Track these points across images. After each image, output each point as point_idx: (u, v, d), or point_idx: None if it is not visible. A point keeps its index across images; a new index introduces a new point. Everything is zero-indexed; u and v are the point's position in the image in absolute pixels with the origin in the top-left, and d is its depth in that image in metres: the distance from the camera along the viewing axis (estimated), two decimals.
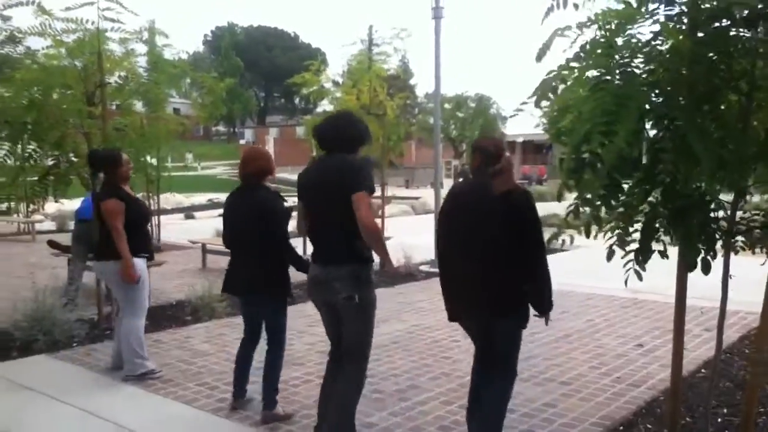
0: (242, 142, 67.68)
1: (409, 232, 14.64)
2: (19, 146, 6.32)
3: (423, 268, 9.98)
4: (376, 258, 3.51)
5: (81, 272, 7.38)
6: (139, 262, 4.91)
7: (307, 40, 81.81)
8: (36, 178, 6.21)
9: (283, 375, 4.83)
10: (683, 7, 3.10)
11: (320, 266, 3.52)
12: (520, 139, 47.92)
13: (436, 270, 10.27)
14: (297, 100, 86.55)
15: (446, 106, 36.01)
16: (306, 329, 6.32)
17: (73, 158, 6.27)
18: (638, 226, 3.37)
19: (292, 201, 4.19)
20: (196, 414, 4.28)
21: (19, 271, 9.78)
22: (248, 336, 4.40)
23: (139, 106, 7.80)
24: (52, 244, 8.46)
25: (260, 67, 78.97)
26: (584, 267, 10.32)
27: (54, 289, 7.15)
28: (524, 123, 44.52)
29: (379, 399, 4.49)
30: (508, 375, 3.49)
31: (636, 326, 6.50)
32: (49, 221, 15.97)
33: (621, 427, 4.05)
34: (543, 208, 14.29)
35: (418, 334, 6.22)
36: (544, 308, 3.39)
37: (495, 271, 3.26)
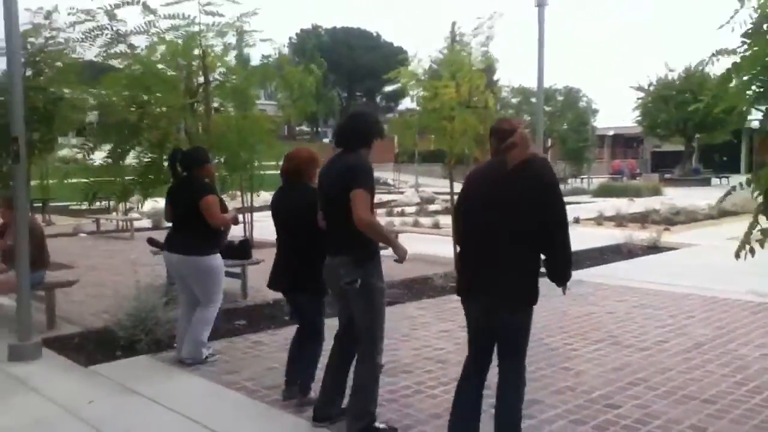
0: (325, 140, 68.18)
1: None
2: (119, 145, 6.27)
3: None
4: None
5: None
6: (218, 258, 5.09)
7: (389, 39, 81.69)
8: (134, 178, 6.13)
9: (392, 384, 4.61)
10: None
11: (330, 256, 3.80)
12: (611, 133, 46.19)
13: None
14: (378, 99, 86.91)
15: (532, 99, 34.88)
16: (410, 333, 5.99)
17: None
18: None
19: None
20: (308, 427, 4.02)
21: (121, 268, 9.93)
22: (298, 330, 4.53)
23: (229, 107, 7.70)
24: (151, 242, 8.48)
25: (343, 67, 79.43)
26: (696, 267, 9.57)
27: (155, 287, 7.14)
28: (615, 116, 42.90)
29: None
30: (519, 370, 3.33)
31: None
32: (145, 219, 16.34)
33: None
34: (641, 205, 13.66)
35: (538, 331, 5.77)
36: (561, 280, 3.27)
37: (509, 259, 3.15)
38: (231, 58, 6.60)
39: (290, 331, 5.94)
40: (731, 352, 5.34)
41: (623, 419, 3.97)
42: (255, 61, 8.02)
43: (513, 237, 3.13)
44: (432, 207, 21.42)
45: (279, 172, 4.49)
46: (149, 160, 6.00)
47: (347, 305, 3.82)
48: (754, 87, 3.42)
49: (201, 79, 5.88)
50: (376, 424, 3.75)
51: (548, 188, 3.11)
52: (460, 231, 3.45)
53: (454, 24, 14.95)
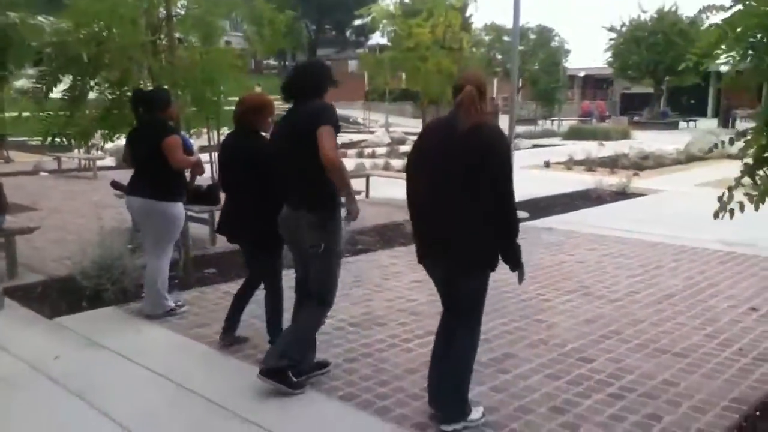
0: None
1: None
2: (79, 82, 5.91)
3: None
4: None
5: None
6: (179, 206, 4.92)
7: None
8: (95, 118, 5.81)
9: (366, 338, 4.57)
10: None
11: (290, 209, 3.69)
12: (582, 74, 46.02)
13: None
14: (348, 33, 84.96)
15: (505, 38, 34.42)
16: (382, 283, 5.93)
17: None
18: None
19: None
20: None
21: (84, 210, 9.65)
22: (248, 278, 4.51)
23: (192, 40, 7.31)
24: (115, 185, 8.19)
25: None
26: (665, 214, 9.65)
27: (120, 233, 6.95)
28: (586, 57, 42.67)
29: (474, 371, 4.09)
30: (472, 324, 3.34)
31: (742, 286, 5.90)
32: (109, 157, 15.87)
33: (757, 412, 3.56)
34: (610, 149, 13.62)
35: (502, 291, 5.76)
36: (514, 265, 3.19)
37: (461, 223, 3.08)
38: None
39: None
40: (701, 303, 5.39)
41: (597, 374, 3.98)
42: None
43: (464, 199, 3.04)
44: (403, 148, 21.21)
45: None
46: (111, 98, 5.67)
47: (303, 261, 3.80)
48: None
49: (163, 12, 5.54)
50: (291, 375, 3.66)
51: (497, 166, 3.01)
52: (411, 192, 3.33)
53: None
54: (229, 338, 4.44)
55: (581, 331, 4.74)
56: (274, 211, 3.95)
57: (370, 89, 42.34)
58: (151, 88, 5.52)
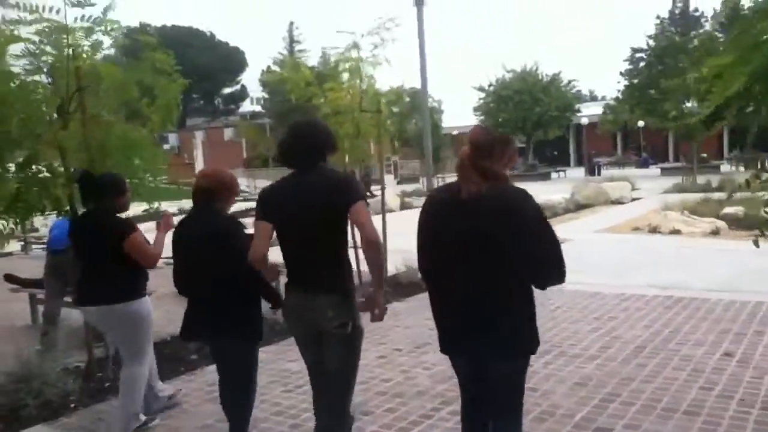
0: (166, 147, 64.68)
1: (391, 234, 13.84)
2: None
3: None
4: None
5: (59, 311, 6.24)
6: (146, 302, 4.20)
7: (224, 38, 79.18)
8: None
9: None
10: None
11: (303, 293, 3.13)
12: (455, 132, 47.86)
13: None
14: (217, 101, 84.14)
15: (382, 100, 35.01)
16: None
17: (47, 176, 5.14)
18: None
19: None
20: None
21: None
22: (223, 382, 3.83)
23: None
24: (10, 278, 7.21)
25: (177, 68, 75.68)
26: (584, 263, 9.80)
27: (26, 332, 6.02)
28: (458, 116, 44.47)
29: None
30: (517, 418, 2.94)
31: (702, 330, 5.92)
32: None
33: None
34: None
35: None
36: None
37: (498, 298, 2.73)
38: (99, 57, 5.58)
39: (206, 376, 5.19)
40: (675, 353, 5.32)
41: None
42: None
43: (495, 272, 2.70)
44: None
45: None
46: (17, 183, 4.89)
47: (317, 351, 3.21)
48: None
49: (72, 85, 4.90)
50: None
51: (520, 219, 2.66)
52: (431, 277, 2.95)
53: (291, 24, 14.40)
54: None
55: (579, 396, 4.48)
56: (255, 296, 3.53)
57: (251, 156, 41.70)
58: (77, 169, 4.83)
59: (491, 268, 2.69)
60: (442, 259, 2.81)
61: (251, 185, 34.16)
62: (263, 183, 35.07)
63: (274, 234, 3.17)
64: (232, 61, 79.55)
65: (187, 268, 3.66)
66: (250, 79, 72.76)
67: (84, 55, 5.16)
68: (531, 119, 37.14)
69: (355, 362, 3.23)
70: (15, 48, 5.02)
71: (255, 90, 69.03)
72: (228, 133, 55.03)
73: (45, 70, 5.20)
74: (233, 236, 3.56)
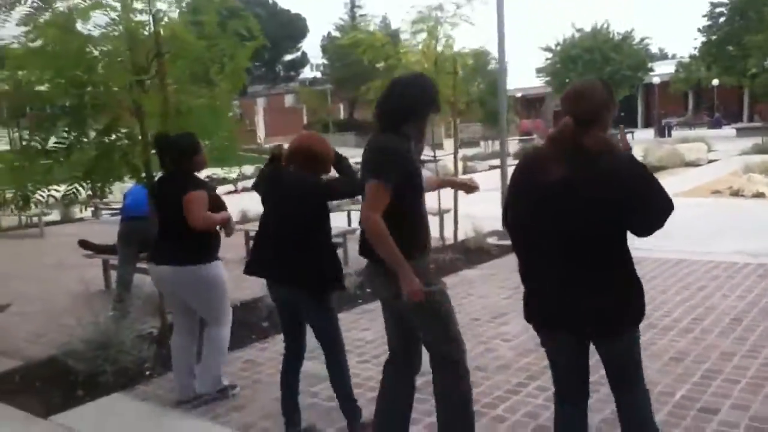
0: (230, 114, 65.46)
1: (451, 199, 13.55)
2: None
3: (492, 240, 8.89)
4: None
5: (131, 278, 6.26)
6: (218, 266, 4.09)
7: (286, 5, 79.17)
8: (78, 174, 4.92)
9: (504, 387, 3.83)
10: None
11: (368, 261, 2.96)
12: (519, 94, 46.70)
13: (508, 242, 9.39)
14: (278, 68, 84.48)
15: (469, 62, 34.48)
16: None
17: (126, 143, 5.06)
18: None
19: None
20: None
21: (41, 274, 8.60)
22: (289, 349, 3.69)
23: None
24: (84, 244, 7.29)
25: (239, 35, 76.11)
26: (674, 228, 9.19)
27: (100, 298, 6.05)
28: (521, 78, 43.32)
29: None
30: (641, 388, 2.64)
31: None
32: (55, 211, 14.54)
33: None
34: None
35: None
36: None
37: (608, 271, 2.45)
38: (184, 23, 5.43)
39: (279, 344, 5.05)
40: None
41: (733, 428, 3.40)
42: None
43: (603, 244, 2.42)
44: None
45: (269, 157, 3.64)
46: (97, 148, 4.83)
47: (397, 321, 3.01)
48: None
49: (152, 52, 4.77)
50: None
51: (630, 185, 2.33)
52: (526, 257, 2.61)
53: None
54: None
55: (677, 373, 4.16)
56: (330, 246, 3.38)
57: (311, 122, 41.70)
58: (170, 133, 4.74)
59: (597, 244, 2.41)
60: (545, 243, 2.49)
61: None
62: None
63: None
64: (294, 28, 79.62)
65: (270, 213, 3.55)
66: (311, 45, 72.61)
67: (164, 20, 5.01)
68: (601, 79, 35.81)
69: (446, 326, 2.93)
70: (98, 14, 4.90)
71: (315, 56, 69.01)
72: (289, 100, 55.30)
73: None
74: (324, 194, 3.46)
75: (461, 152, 27.92)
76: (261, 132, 49.64)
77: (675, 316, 5.30)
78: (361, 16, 57.64)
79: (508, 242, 9.15)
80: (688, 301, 5.67)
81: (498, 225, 8.88)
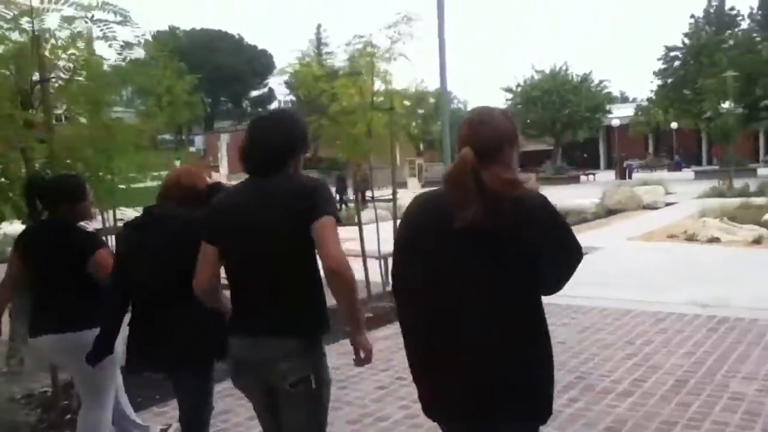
0: (192, 149, 64.79)
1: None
2: None
3: None
4: None
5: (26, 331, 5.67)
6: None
7: (253, 41, 79.40)
8: None
9: None
10: None
11: (252, 339, 2.42)
12: None
13: None
14: (245, 104, 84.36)
15: (406, 102, 34.47)
16: (339, 395, 4.75)
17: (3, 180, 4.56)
18: None
19: None
20: None
21: None
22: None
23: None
24: None
25: (205, 71, 75.51)
26: (618, 275, 8.96)
27: None
28: None
29: None
30: None
31: (753, 360, 5.12)
32: None
33: None
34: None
35: None
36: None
37: (511, 341, 2.00)
38: (78, 50, 4.98)
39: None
40: (722, 389, 4.54)
41: None
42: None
43: (501, 308, 1.98)
44: None
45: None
46: None
47: (273, 412, 2.52)
48: None
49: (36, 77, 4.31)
50: None
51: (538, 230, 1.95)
52: (409, 314, 2.16)
53: (319, 27, 13.95)
54: None
55: None
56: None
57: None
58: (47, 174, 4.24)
59: (505, 304, 1.99)
60: (433, 297, 2.06)
61: None
62: None
63: None
64: (260, 64, 79.87)
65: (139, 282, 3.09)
66: (278, 81, 72.98)
67: (52, 42, 4.57)
68: (560, 120, 36.12)
69: (323, 420, 2.53)
70: None
71: (282, 93, 69.16)
72: None
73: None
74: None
75: (425, 191, 27.86)
76: (224, 168, 49.11)
77: (615, 376, 4.90)
78: (326, 53, 57.89)
79: None
80: (631, 359, 5.29)
81: None
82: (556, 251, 1.99)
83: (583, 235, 13.14)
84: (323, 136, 8.55)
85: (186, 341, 2.93)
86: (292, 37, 55.86)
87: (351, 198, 23.42)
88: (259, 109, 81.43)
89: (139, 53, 5.31)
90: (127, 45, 4.88)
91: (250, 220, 2.40)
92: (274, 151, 2.45)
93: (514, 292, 1.98)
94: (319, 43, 64.80)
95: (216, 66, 76.03)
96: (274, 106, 78.51)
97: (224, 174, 47.84)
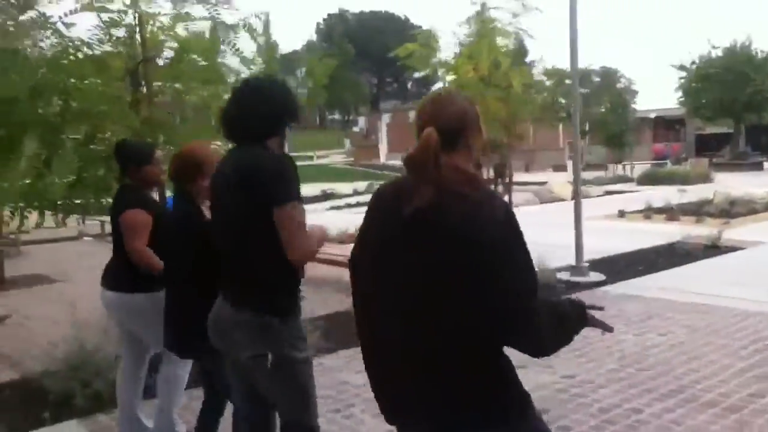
0: (355, 129, 67.15)
1: (536, 225, 12.68)
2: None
3: (562, 275, 8.06)
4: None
5: None
6: (157, 298, 3.41)
7: (419, 22, 79.99)
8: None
9: None
10: None
11: (224, 303, 2.47)
12: (652, 115, 43.99)
13: (582, 278, 8.51)
14: (410, 85, 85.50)
15: (567, 81, 33.11)
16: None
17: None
18: None
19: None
20: None
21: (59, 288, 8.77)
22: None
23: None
24: None
25: (372, 53, 78.01)
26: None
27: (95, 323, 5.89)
28: (656, 98, 40.75)
29: None
30: None
31: None
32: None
33: None
34: (692, 194, 11.63)
35: (571, 395, 4.40)
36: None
37: (448, 362, 1.74)
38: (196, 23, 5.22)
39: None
40: None
41: None
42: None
43: (447, 323, 1.72)
44: None
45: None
46: (79, 159, 4.67)
47: (243, 378, 2.55)
48: None
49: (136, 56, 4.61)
50: None
51: (486, 250, 1.66)
52: (362, 317, 1.95)
53: (483, 5, 13.60)
54: None
55: None
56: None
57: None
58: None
59: (442, 312, 1.73)
60: (380, 299, 1.86)
61: None
62: None
63: None
64: (417, 32, 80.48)
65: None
66: None
67: (152, 24, 4.84)
68: (741, 100, 32.77)
69: (302, 395, 2.49)
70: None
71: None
72: (413, 115, 55.51)
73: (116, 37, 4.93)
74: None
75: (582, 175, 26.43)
76: (384, 147, 50.15)
77: (726, 389, 4.36)
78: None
79: (583, 278, 8.09)
80: (750, 371, 4.68)
81: (567, 257, 8.10)
82: (498, 270, 1.66)
83: (743, 230, 11.87)
84: None
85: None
86: (461, 17, 55.00)
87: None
88: (423, 90, 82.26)
89: (244, 37, 5.47)
90: (230, 27, 5.04)
91: (219, 194, 2.47)
92: (257, 120, 2.39)
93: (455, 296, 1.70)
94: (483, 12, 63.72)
95: (383, 48, 77.92)
96: (438, 86, 78.95)
97: (384, 153, 48.89)
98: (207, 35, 5.29)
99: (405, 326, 1.77)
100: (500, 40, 7.31)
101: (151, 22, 4.73)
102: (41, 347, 5.74)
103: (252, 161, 2.33)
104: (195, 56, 5.16)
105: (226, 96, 2.82)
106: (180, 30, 4.90)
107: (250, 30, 5.04)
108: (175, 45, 4.90)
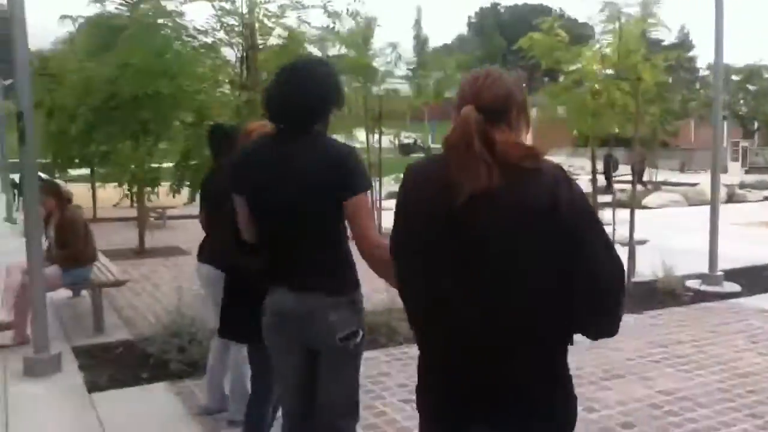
0: None
1: (675, 229, 11.82)
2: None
3: (690, 283, 7.40)
4: None
5: None
6: None
7: (573, 14, 77.00)
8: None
9: None
10: None
11: (294, 294, 2.31)
12: None
13: (712, 288, 7.79)
14: (561, 78, 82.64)
15: (734, 77, 30.60)
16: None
17: None
18: None
19: None
20: None
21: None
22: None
23: None
24: None
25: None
26: None
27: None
28: None
29: None
30: None
31: None
32: None
33: None
34: None
35: (683, 408, 4.01)
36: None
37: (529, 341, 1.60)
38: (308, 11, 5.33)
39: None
40: None
41: None
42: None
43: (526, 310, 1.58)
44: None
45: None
46: (186, 138, 4.92)
47: (310, 370, 2.40)
48: None
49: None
50: None
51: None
52: (414, 302, 1.79)
53: None
54: None
55: None
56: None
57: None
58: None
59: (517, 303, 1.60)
60: (439, 285, 1.69)
61: (572, 165, 32.75)
62: (582, 162, 33.25)
63: None
64: (578, 36, 77.55)
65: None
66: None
67: (261, 13, 5.00)
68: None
69: (357, 381, 2.45)
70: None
71: None
72: (561, 109, 53.61)
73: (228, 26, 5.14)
74: None
75: (747, 177, 24.29)
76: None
77: None
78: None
79: (714, 288, 7.49)
80: None
81: (703, 265, 7.45)
82: (582, 247, 1.54)
83: None
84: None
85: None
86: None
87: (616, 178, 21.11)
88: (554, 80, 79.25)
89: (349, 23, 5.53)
90: (334, 14, 5.10)
91: (284, 177, 2.24)
92: (307, 104, 2.26)
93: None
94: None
95: None
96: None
97: None
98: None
99: (473, 310, 1.63)
100: (634, 29, 6.76)
101: (259, 11, 4.88)
102: (154, 313, 6.21)
103: (337, 149, 2.27)
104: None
105: None
106: (290, 20, 5.02)
107: (353, 16, 5.06)
108: (282, 33, 5.02)
